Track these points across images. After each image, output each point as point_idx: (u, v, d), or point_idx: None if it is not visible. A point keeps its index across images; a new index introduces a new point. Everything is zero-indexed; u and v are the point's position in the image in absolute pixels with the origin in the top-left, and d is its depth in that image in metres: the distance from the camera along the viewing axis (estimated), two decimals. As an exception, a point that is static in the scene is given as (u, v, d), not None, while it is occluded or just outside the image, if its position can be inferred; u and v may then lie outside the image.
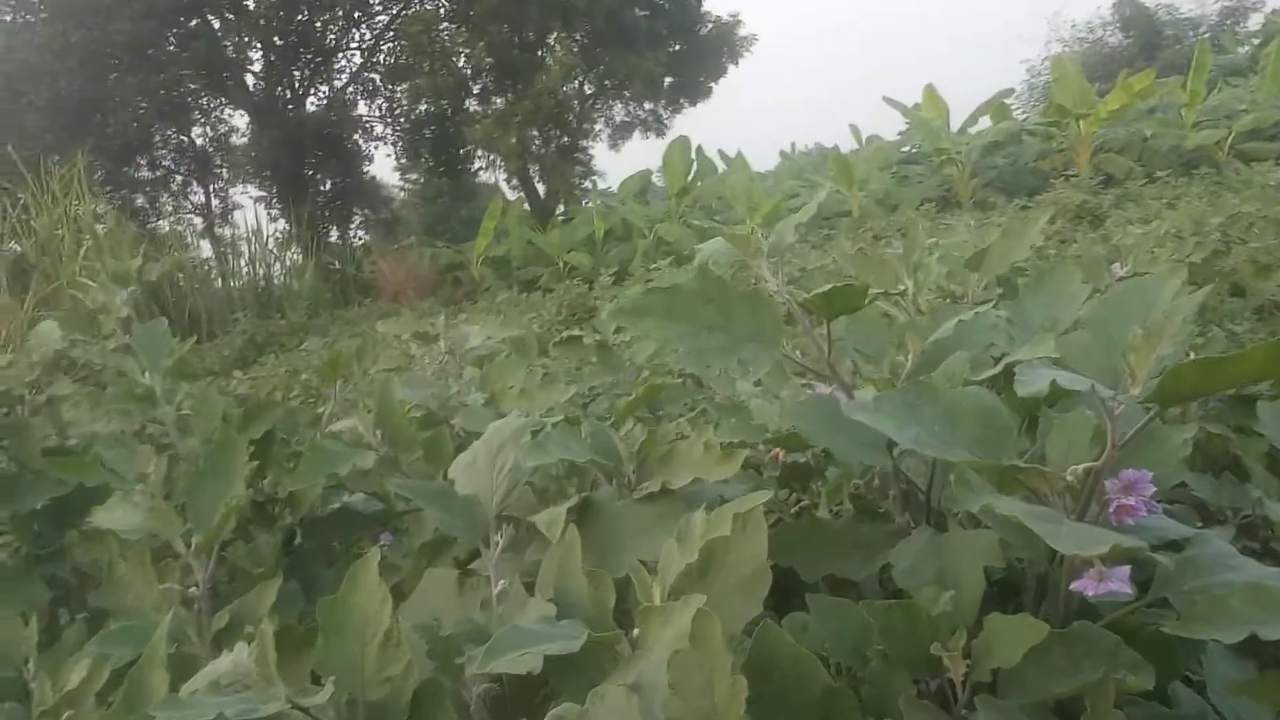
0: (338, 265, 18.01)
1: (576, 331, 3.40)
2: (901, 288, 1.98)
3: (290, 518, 1.68)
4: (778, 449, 1.62)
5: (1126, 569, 0.92)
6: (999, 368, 1.09)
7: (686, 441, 1.25)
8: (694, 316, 1.28)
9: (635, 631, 0.90)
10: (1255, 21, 32.65)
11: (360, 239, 23.06)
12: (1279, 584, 0.90)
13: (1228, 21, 34.46)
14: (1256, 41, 22.88)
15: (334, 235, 23.09)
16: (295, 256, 17.82)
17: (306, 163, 22.90)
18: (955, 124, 16.44)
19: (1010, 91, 19.08)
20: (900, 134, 19.96)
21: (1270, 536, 1.61)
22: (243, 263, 16.93)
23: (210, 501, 1.43)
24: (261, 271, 16.68)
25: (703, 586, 0.95)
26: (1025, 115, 20.92)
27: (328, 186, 23.79)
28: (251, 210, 26.77)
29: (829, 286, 1.19)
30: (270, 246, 17.74)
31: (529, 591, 1.16)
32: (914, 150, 18.01)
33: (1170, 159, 12.81)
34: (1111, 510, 0.93)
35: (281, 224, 20.73)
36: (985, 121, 17.00)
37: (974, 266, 1.82)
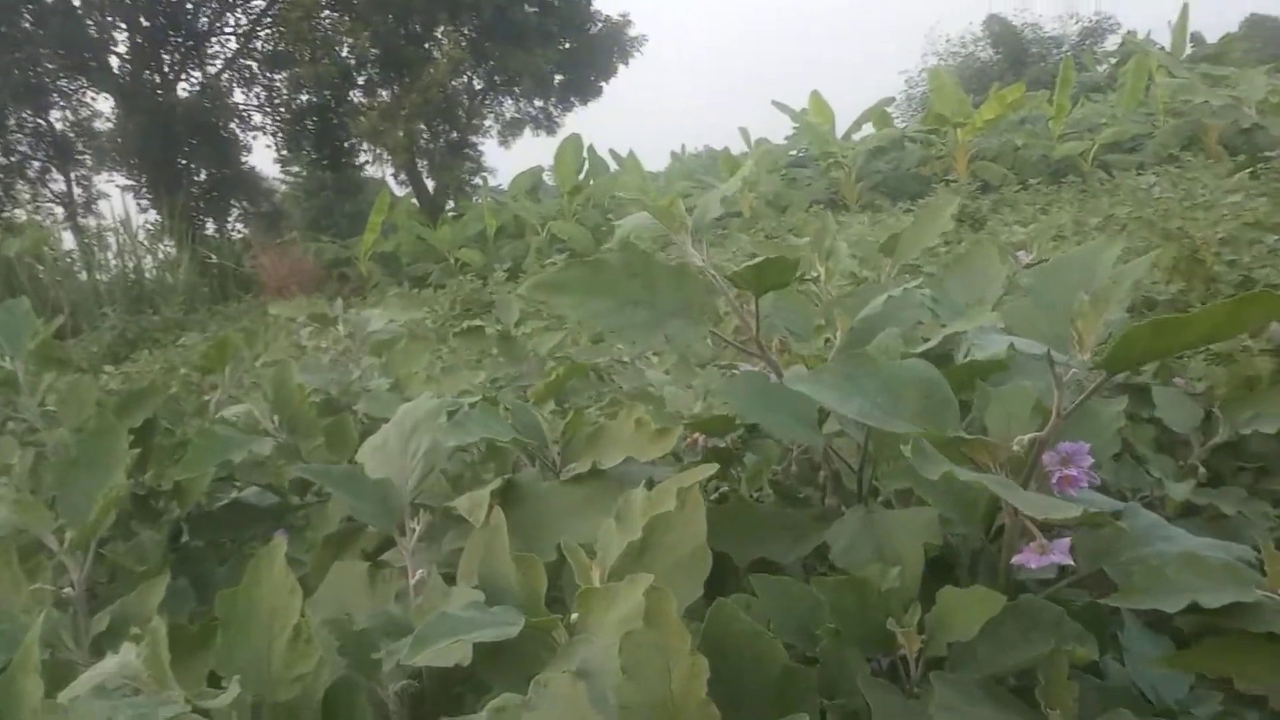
0: (215, 259, 17.17)
1: (478, 322, 3.30)
2: (815, 274, 1.98)
3: (177, 511, 1.55)
4: (697, 434, 1.59)
5: (1067, 541, 0.92)
6: (939, 338, 1.08)
7: (616, 420, 1.20)
8: (617, 291, 1.23)
9: (573, 616, 0.85)
10: (1112, 42, 34.83)
11: (239, 232, 22.10)
12: (1212, 553, 0.91)
13: (1087, 41, 36.67)
14: (1114, 60, 24.37)
15: (210, 228, 22.06)
16: (168, 249, 16.91)
17: (179, 151, 21.79)
18: (840, 129, 16.88)
19: (891, 100, 19.77)
20: (787, 138, 20.38)
21: (1169, 516, 1.67)
22: (110, 255, 15.96)
23: (86, 494, 1.30)
24: (131, 264, 15.75)
25: (642, 568, 0.90)
26: (904, 123, 21.70)
27: (203, 177, 22.69)
28: (119, 200, 25.25)
29: (760, 259, 1.16)
30: (141, 239, 16.78)
31: (447, 582, 1.09)
32: (801, 154, 18.42)
33: (1040, 168, 13.49)
34: (1054, 481, 0.93)
35: (153, 215, 19.69)
36: (868, 128, 17.52)
37: (888, 251, 1.83)
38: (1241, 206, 4.26)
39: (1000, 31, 38.32)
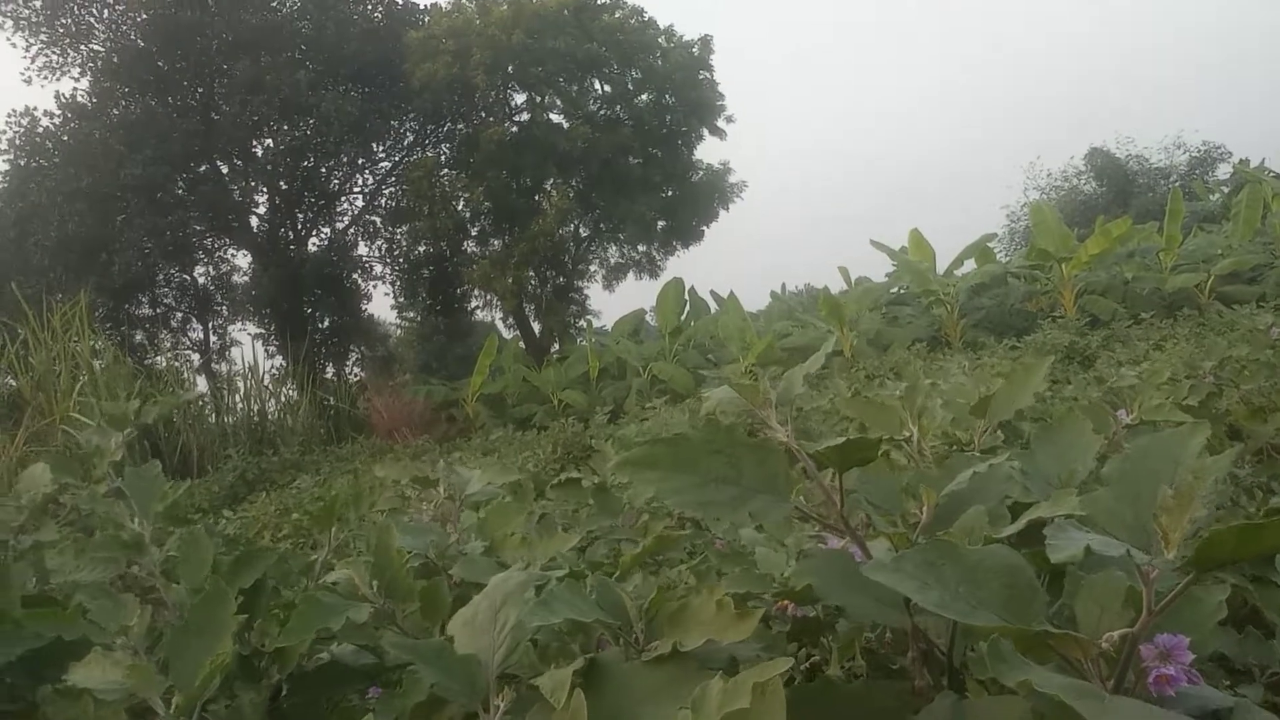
0: (332, 401, 18.02)
1: (574, 474, 3.35)
2: (906, 434, 1.97)
3: (278, 674, 1.60)
4: (786, 601, 1.57)
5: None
6: (1021, 524, 1.06)
7: (699, 599, 1.20)
8: (701, 468, 1.26)
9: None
10: (1223, 171, 34.00)
11: (356, 375, 23.19)
12: (1332, 761, 0.85)
13: (1197, 171, 35.83)
14: (1226, 190, 23.79)
15: (330, 372, 23.24)
16: (291, 393, 17.85)
17: (306, 301, 23.29)
18: (941, 266, 16.84)
19: (993, 236, 19.64)
20: (888, 275, 20.42)
21: (1304, 698, 1.54)
22: (238, 399, 16.94)
23: (194, 659, 1.36)
24: (256, 408, 16.67)
25: (719, 761, 0.89)
26: (1007, 258, 21.50)
27: (326, 324, 24.12)
28: (249, 347, 27.00)
29: (842, 440, 1.17)
30: (266, 383, 17.79)
31: (530, 761, 1.09)
32: (902, 291, 18.39)
33: (1152, 301, 13.10)
34: (1151, 680, 0.89)
35: (279, 360, 20.89)
36: (970, 264, 17.42)
37: (979, 413, 1.82)
38: (1373, 346, 4.03)
39: (1103, 164, 37.99)
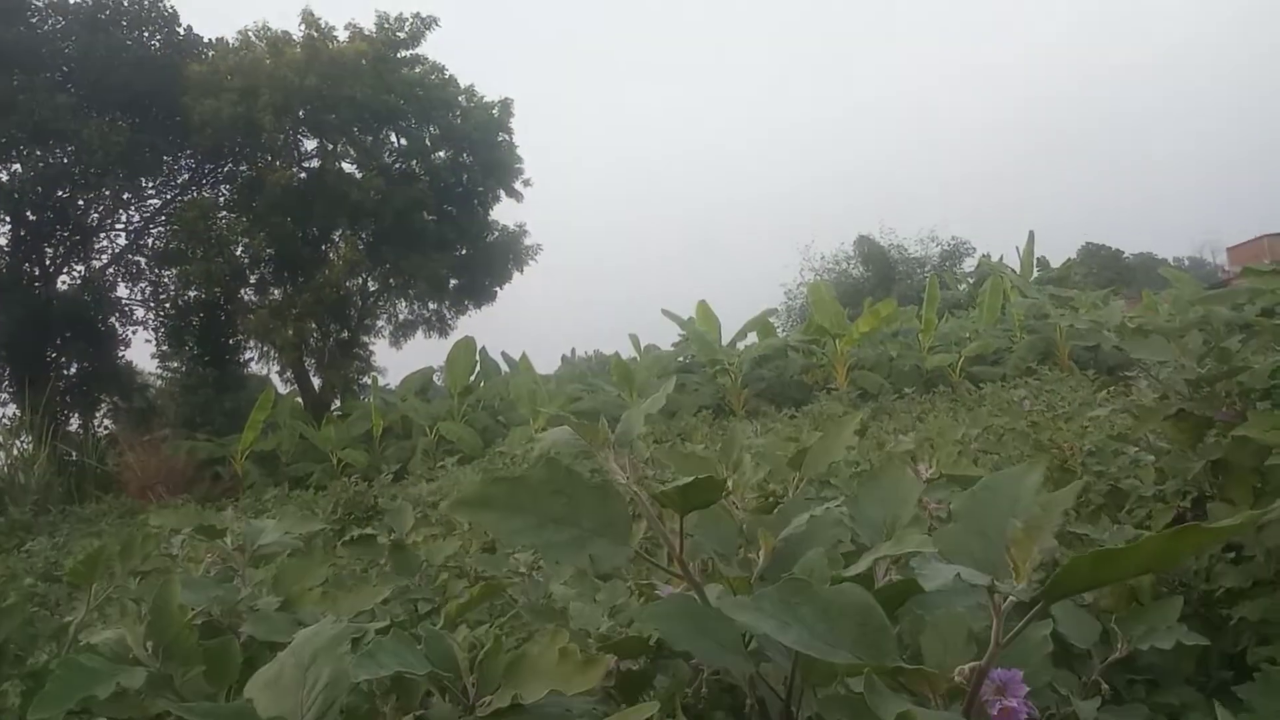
0: (75, 456, 16.19)
1: (369, 530, 3.14)
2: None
3: (20, 758, 1.35)
4: (610, 656, 1.52)
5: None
6: (867, 563, 1.07)
7: (537, 647, 1.13)
8: (540, 509, 1.20)
9: None
10: (969, 264, 38.10)
11: (107, 428, 21.03)
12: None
13: (947, 262, 39.99)
14: (972, 280, 26.59)
15: (74, 423, 20.95)
16: (25, 445, 15.88)
17: (50, 344, 20.97)
18: (725, 338, 17.61)
19: (774, 311, 20.88)
20: (674, 345, 21.08)
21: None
22: (-43, 451, 14.86)
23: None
24: (-20, 461, 14.69)
25: (573, 822, 0.82)
26: (785, 333, 22.84)
27: (73, 370, 21.79)
28: (-26, 393, 23.84)
29: (686, 480, 1.15)
30: (-7, 434, 15.74)
31: (342, 839, 0.97)
32: (689, 360, 19.03)
33: (913, 377, 14.29)
34: (995, 713, 0.91)
35: (11, 409, 18.59)
36: (752, 336, 18.34)
37: (796, 466, 1.86)
38: (1103, 420, 4.55)
39: (869, 251, 41.53)
